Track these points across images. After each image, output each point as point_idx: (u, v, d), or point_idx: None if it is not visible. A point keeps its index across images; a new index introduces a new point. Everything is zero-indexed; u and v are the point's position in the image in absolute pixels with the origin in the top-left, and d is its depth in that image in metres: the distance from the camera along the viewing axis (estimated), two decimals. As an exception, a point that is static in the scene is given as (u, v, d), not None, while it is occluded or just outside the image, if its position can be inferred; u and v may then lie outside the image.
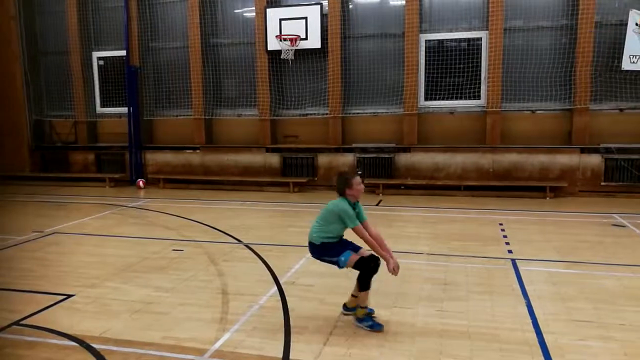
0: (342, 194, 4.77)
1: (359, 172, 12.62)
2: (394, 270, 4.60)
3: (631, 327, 4.53)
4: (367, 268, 4.63)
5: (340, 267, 4.75)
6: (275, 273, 6.22)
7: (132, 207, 11.06)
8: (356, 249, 4.80)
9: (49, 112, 15.40)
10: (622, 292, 5.41)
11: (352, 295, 4.89)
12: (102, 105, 14.97)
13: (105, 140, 14.97)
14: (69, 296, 5.53)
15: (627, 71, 11.01)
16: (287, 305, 5.20)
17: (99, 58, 14.81)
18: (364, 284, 4.67)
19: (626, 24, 10.78)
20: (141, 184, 13.83)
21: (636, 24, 10.68)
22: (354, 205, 4.77)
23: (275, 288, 5.72)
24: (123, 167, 14.60)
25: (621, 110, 11.41)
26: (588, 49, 11.12)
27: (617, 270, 6.20)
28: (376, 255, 4.67)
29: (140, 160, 14.35)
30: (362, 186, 4.82)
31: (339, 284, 5.77)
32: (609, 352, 4.11)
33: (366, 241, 4.63)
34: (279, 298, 5.41)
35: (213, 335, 4.53)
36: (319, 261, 4.91)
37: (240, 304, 5.26)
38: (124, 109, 14.33)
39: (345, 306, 4.98)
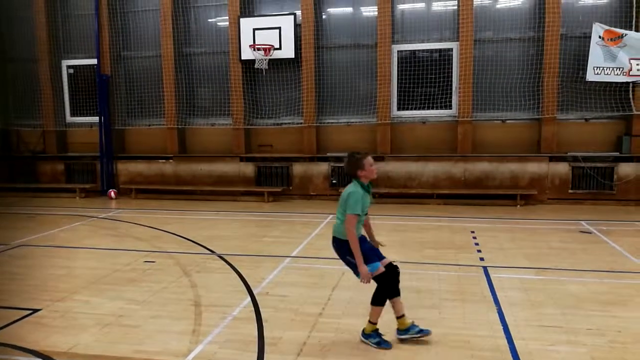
0: (354, 175, 4.46)
1: (334, 181, 12.67)
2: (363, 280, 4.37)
3: (598, 332, 4.64)
4: (388, 282, 4.37)
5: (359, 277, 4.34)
6: (249, 284, 6.18)
7: (103, 218, 10.85)
8: (381, 256, 4.49)
9: (16, 121, 15.02)
10: (589, 297, 5.55)
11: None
12: (72, 114, 14.69)
13: (75, 150, 14.67)
14: (36, 310, 5.38)
15: (591, 82, 11.35)
16: (260, 316, 5.17)
17: (69, 66, 14.55)
18: (380, 299, 4.42)
19: (590, 37, 11.13)
20: (112, 194, 13.58)
21: (599, 37, 11.03)
22: (367, 188, 4.47)
23: (249, 299, 5.67)
24: (94, 177, 14.33)
25: (587, 120, 11.75)
26: (554, 61, 11.44)
27: (584, 275, 6.35)
28: (394, 264, 4.49)
29: (112, 170, 14.11)
30: (375, 167, 4.52)
31: (312, 294, 5.78)
32: (577, 357, 4.20)
33: (349, 235, 4.32)
34: (253, 309, 5.37)
35: (185, 348, 4.46)
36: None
37: (213, 316, 5.20)
38: (95, 118, 14.08)
39: (363, 332, 4.55)
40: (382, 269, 4.41)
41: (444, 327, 4.81)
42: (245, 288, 6.05)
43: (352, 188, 4.45)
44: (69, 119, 14.69)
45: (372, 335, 4.47)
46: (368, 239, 4.76)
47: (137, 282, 6.33)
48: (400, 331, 4.52)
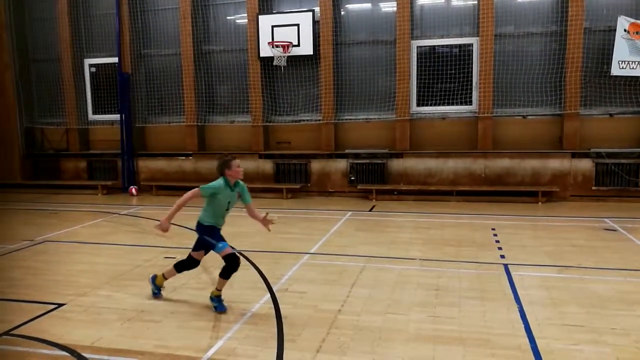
0: (222, 174, 5.35)
1: (352, 178, 12.68)
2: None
3: (622, 332, 4.55)
4: (233, 264, 5.27)
5: (214, 250, 5.37)
6: (268, 280, 6.21)
7: (124, 215, 11.00)
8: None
9: (40, 119, 15.32)
10: (613, 297, 5.44)
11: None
12: (94, 112, 14.92)
13: (97, 148, 14.91)
14: (60, 305, 5.48)
15: (616, 77, 11.12)
16: (280, 312, 5.18)
17: (91, 65, 14.77)
18: (227, 275, 5.29)
19: (615, 30, 10.90)
20: (134, 191, 13.76)
21: (625, 30, 10.80)
22: (231, 186, 5.41)
23: (268, 295, 5.70)
24: (115, 174, 14.53)
25: (611, 115, 11.52)
26: (578, 55, 11.23)
27: (608, 274, 6.23)
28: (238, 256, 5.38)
29: (133, 167, 14.29)
30: (241, 169, 5.46)
31: (331, 291, 5.78)
32: (601, 356, 4.12)
33: (178, 202, 5.54)
34: (272, 305, 5.39)
35: (206, 344, 4.50)
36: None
37: (233, 312, 5.24)
38: (116, 116, 14.29)
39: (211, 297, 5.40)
40: (230, 250, 5.34)
41: (464, 326, 4.76)
42: (265, 284, 6.08)
43: (216, 182, 5.37)
44: (91, 117, 14.92)
45: (214, 300, 5.32)
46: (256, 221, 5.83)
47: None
48: (211, 297, 5.39)
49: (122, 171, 14.33)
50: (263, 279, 6.29)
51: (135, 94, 14.28)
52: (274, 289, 5.88)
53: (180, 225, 9.62)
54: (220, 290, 5.37)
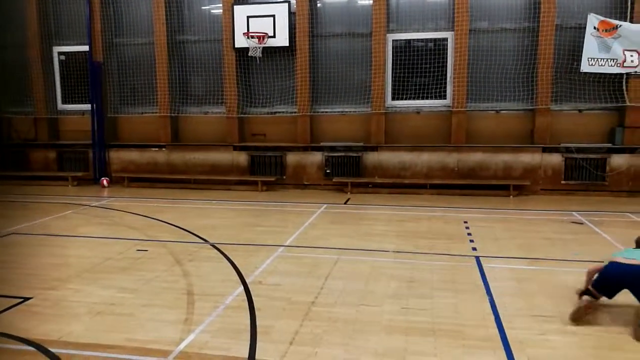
0: None
1: (327, 171, 12.69)
2: None
3: (588, 322, 4.67)
4: None
5: None
6: (242, 273, 6.17)
7: (95, 207, 10.79)
8: None
9: (7, 108, 14.85)
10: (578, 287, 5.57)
11: None
12: (64, 101, 14.54)
13: (67, 138, 14.55)
14: (27, 299, 5.35)
15: (585, 73, 11.35)
16: (253, 305, 5.17)
17: (60, 53, 14.38)
18: None
19: (585, 28, 11.12)
20: (105, 182, 13.51)
21: (594, 28, 11.03)
22: None
23: (242, 288, 5.67)
24: (86, 165, 14.22)
25: (580, 111, 11.78)
26: (549, 51, 11.43)
27: (575, 266, 6.38)
28: None
29: (104, 158, 14.01)
30: None
31: (305, 283, 5.78)
32: (567, 345, 4.24)
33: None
34: (245, 298, 5.37)
35: (177, 337, 4.46)
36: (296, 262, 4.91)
37: (205, 305, 5.19)
38: (87, 106, 13.95)
39: None
40: None
41: (436, 317, 4.83)
42: (238, 277, 6.05)
43: None
44: (61, 106, 14.54)
45: None
46: None
47: (129, 271, 6.31)
48: None
49: (93, 162, 14.03)
50: (236, 271, 6.26)
51: (107, 84, 13.97)
52: (248, 282, 5.86)
53: (150, 217, 9.51)
54: None
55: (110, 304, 5.20)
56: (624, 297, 5.05)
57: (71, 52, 14.28)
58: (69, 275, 6.15)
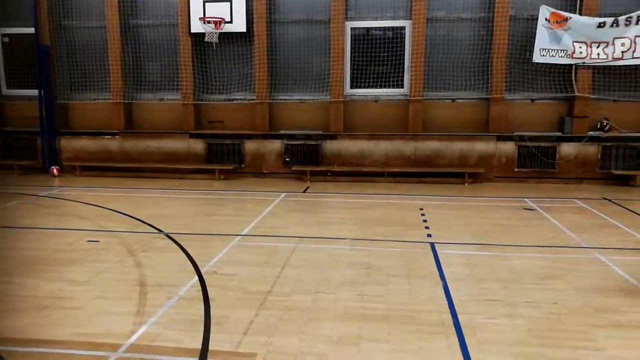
0: None
1: (287, 159, 12.62)
2: None
3: (535, 304, 4.84)
4: None
5: None
6: (197, 263, 6.07)
7: (44, 197, 10.37)
8: None
9: (-54, 93, 14.04)
10: (528, 272, 5.76)
11: None
12: (9, 86, 13.86)
13: (13, 125, 13.86)
14: (-33, 294, 5.10)
15: (537, 64, 11.66)
16: (207, 295, 5.09)
17: (4, 35, 13.65)
18: None
19: (537, 19, 11.40)
20: (55, 171, 12.99)
21: (546, 19, 11.32)
22: None
23: (196, 278, 5.57)
24: (34, 153, 13.63)
25: (532, 100, 12.11)
26: (503, 42, 11.67)
27: (525, 251, 6.60)
28: None
29: (54, 146, 13.46)
30: None
31: (261, 273, 5.74)
32: (515, 328, 4.36)
33: None
34: (200, 288, 5.28)
35: (128, 329, 4.34)
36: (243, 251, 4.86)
37: (158, 296, 5.08)
38: (35, 91, 13.33)
39: None
40: None
41: (390, 303, 4.88)
42: (193, 267, 5.94)
43: None
44: (5, 91, 13.86)
45: None
46: None
47: (79, 263, 6.10)
48: None
49: (41, 150, 13.46)
50: (191, 261, 6.15)
51: (56, 68, 13.37)
52: (202, 272, 5.76)
53: (102, 207, 9.22)
54: None
55: (58, 298, 5.02)
56: (572, 286, 5.25)
57: (16, 34, 13.58)
58: (13, 268, 5.89)
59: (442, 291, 5.20)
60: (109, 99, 13.26)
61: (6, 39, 13.72)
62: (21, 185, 11.66)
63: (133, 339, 4.18)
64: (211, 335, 4.25)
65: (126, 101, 13.19)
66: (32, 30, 13.14)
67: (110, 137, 13.29)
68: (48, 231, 7.63)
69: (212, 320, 4.54)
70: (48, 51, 13.16)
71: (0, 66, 13.78)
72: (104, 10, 12.88)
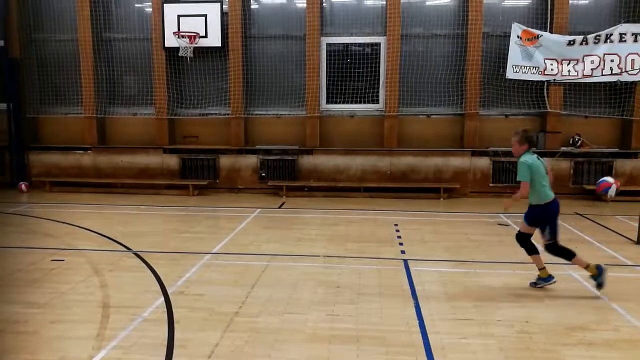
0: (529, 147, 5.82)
1: (263, 175, 12.48)
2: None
3: (507, 323, 4.77)
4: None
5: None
6: (164, 283, 5.88)
7: (10, 214, 10.05)
8: None
9: None
10: (501, 290, 5.72)
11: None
12: (-23, 100, 13.50)
13: (-19, 140, 13.50)
14: None
15: (511, 80, 11.81)
16: (173, 317, 4.91)
17: (-28, 47, 13.34)
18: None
19: (510, 36, 11.56)
20: (23, 187, 12.64)
21: (518, 37, 11.49)
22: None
23: (162, 299, 5.39)
24: (3, 168, 13.25)
25: (506, 116, 12.24)
26: (477, 58, 11.80)
27: (499, 268, 6.56)
28: None
29: (23, 161, 13.12)
30: None
31: (230, 293, 5.58)
32: (486, 348, 4.28)
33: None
34: (166, 310, 5.10)
35: (87, 354, 4.15)
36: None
37: (121, 318, 4.88)
38: (3, 105, 13.00)
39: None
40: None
41: (360, 324, 4.77)
42: (160, 288, 5.75)
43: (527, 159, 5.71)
44: (-27, 105, 13.50)
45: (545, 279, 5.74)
46: None
47: (40, 284, 5.86)
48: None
49: (10, 166, 13.10)
50: (159, 281, 5.95)
51: (26, 82, 13.09)
52: (169, 292, 5.58)
53: (71, 224, 8.96)
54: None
55: (13, 322, 4.78)
56: (544, 303, 5.21)
57: (-16, 46, 13.28)
58: (-31, 290, 5.63)
59: (414, 310, 5.10)
60: (81, 114, 13.02)
61: (-26, 52, 13.39)
62: (-13, 202, 11.30)
63: (90, 365, 3.99)
64: (173, 359, 4.08)
65: (99, 116, 12.96)
66: (1, 43, 12.84)
67: (82, 152, 13.00)
68: (10, 250, 7.36)
69: (176, 343, 4.37)
70: (18, 65, 12.88)
71: (-32, 79, 13.43)
72: (76, 23, 12.69)
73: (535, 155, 5.77)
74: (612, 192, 7.55)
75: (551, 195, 5.63)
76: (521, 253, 7.18)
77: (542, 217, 5.62)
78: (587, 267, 5.51)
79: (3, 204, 11.04)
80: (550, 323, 4.79)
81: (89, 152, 13.01)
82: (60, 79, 13.11)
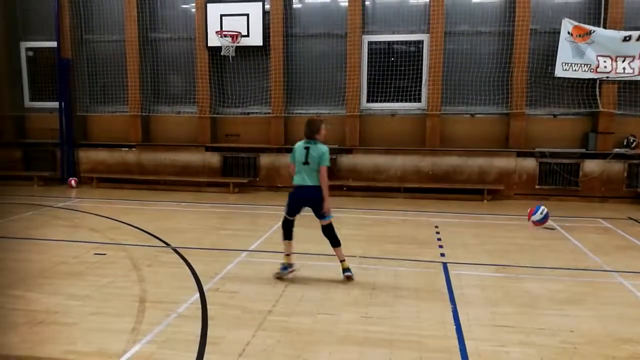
0: (315, 137, 5.99)
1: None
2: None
3: (549, 332, 4.54)
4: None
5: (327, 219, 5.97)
6: (200, 279, 5.93)
7: (59, 208, 10.43)
8: None
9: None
10: (544, 296, 5.45)
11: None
12: (32, 99, 14.11)
13: (34, 136, 14.08)
14: (-36, 306, 5.05)
15: (560, 78, 11.33)
16: (207, 313, 4.93)
17: (28, 49, 13.94)
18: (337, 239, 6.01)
19: (559, 33, 11.09)
20: (73, 183, 13.11)
21: (568, 33, 11.00)
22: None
23: (198, 295, 5.42)
24: (54, 164, 13.80)
25: (555, 115, 11.75)
26: (524, 56, 11.38)
27: (542, 273, 6.27)
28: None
29: (73, 158, 13.61)
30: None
31: (264, 291, 5.56)
32: (526, 357, 4.08)
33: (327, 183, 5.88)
34: (200, 306, 5.12)
35: (121, 348, 4.20)
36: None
37: (156, 313, 4.94)
38: (55, 104, 13.54)
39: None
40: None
41: (394, 327, 4.64)
42: (196, 283, 5.80)
43: (322, 146, 5.89)
44: (28, 103, 14.11)
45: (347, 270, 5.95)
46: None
47: (82, 276, 6.02)
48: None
49: (60, 162, 13.62)
50: (195, 277, 6.01)
51: (76, 81, 13.57)
52: (205, 289, 5.61)
53: (114, 219, 9.19)
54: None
55: (53, 312, 4.92)
56: (592, 312, 4.93)
57: (39, 47, 13.86)
58: (13, 280, 5.83)
59: (451, 315, 4.93)
60: (127, 112, 13.38)
61: (30, 53, 14.01)
62: (39, 196, 11.78)
63: (124, 358, 4.04)
64: (205, 356, 4.09)
65: (144, 114, 13.28)
66: (54, 44, 13.37)
67: (127, 149, 13.36)
68: (56, 243, 7.61)
69: (208, 340, 4.37)
70: (69, 64, 13.37)
71: (24, 79, 14.05)
72: (123, 24, 13.04)
73: (304, 142, 6.01)
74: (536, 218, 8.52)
75: (295, 182, 5.98)
76: (567, 258, 6.91)
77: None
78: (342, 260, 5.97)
79: (53, 198, 11.48)
80: (597, 333, 4.53)
81: (134, 149, 13.35)
82: (108, 78, 13.52)
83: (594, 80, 11.20)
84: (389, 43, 12.26)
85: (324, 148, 5.88)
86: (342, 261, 5.95)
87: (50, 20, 13.42)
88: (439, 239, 7.96)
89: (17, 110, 13.97)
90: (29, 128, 14.19)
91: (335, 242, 5.94)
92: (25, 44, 13.94)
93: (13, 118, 13.94)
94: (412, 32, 12.11)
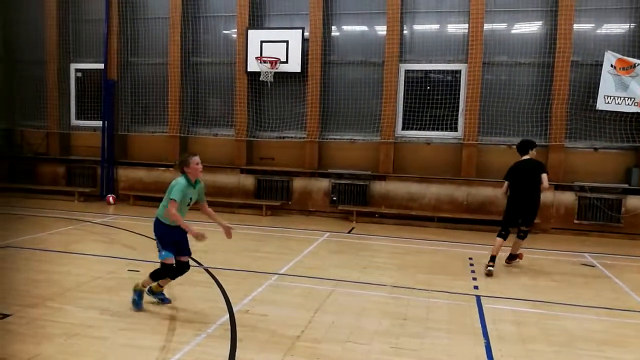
0: (182, 171, 5.54)
1: (334, 199, 12.49)
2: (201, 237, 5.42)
3: (589, 374, 4.36)
4: (170, 272, 5.55)
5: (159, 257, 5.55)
6: (230, 300, 5.95)
7: (97, 223, 10.70)
8: (182, 253, 5.70)
9: (21, 121, 15.01)
10: (582, 335, 5.24)
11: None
12: (78, 117, 14.68)
13: (78, 153, 14.59)
14: (5, 316, 5.18)
15: (601, 111, 11.08)
16: (236, 335, 4.93)
17: (77, 70, 14.58)
18: (156, 277, 5.55)
19: (602, 65, 10.90)
20: (111, 199, 13.46)
21: (611, 65, 10.80)
22: (193, 184, 5.58)
23: (227, 316, 5.44)
24: (94, 181, 14.24)
25: (595, 149, 11.46)
26: (564, 87, 11.20)
27: (581, 311, 6.04)
28: (182, 271, 5.65)
29: (112, 175, 14.02)
30: (200, 166, 5.60)
31: (294, 315, 5.54)
32: (564, 400, 3.91)
33: (174, 217, 5.39)
34: (229, 327, 5.14)
35: (151, 365, 4.24)
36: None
37: (186, 332, 4.98)
38: (99, 123, 14.05)
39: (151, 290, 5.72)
40: (172, 261, 5.54)
41: (425, 359, 4.53)
42: (226, 304, 5.83)
43: (178, 180, 5.51)
44: (74, 122, 14.67)
45: (137, 293, 5.57)
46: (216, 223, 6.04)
47: (115, 292, 6.13)
48: (149, 291, 5.71)
49: (101, 179, 14.04)
50: (225, 298, 6.04)
51: (120, 102, 14.07)
52: (235, 310, 5.63)
53: (149, 237, 9.34)
54: (145, 287, 5.63)
55: (88, 326, 5.01)
56: (634, 356, 4.72)
57: (88, 69, 14.47)
58: (52, 293, 5.99)
59: (484, 349, 4.79)
60: (166, 132, 13.74)
61: (79, 74, 14.63)
62: (79, 211, 12.11)
63: (153, 376, 4.06)
64: (232, 379, 4.08)
65: (182, 135, 13.61)
66: (102, 65, 13.94)
67: (164, 169, 13.68)
68: (93, 258, 7.79)
69: (236, 362, 4.37)
70: (114, 85, 13.88)
71: (71, 99, 14.66)
72: (167, 47, 13.51)
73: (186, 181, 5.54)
74: None
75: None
76: (607, 297, 6.64)
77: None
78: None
79: (92, 213, 11.81)
80: (640, 378, 4.32)
81: (171, 168, 13.63)
82: (150, 99, 13.96)
83: (638, 113, 10.90)
84: (426, 72, 12.29)
85: (174, 182, 5.53)
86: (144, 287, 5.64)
87: (99, 43, 14.04)
88: (473, 271, 7.80)
89: (63, 128, 14.54)
90: (73, 145, 14.72)
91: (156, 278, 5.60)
92: (74, 65, 14.57)
93: (59, 135, 14.50)
94: (449, 62, 12.11)
